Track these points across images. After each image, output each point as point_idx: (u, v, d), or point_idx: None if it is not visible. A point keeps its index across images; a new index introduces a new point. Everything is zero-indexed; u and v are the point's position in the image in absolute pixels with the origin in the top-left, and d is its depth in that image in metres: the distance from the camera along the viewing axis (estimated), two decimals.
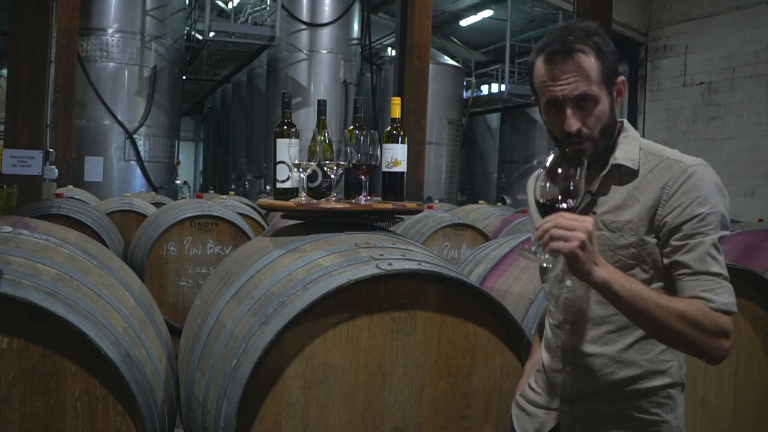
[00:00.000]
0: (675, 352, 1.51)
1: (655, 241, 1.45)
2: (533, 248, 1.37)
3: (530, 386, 1.69)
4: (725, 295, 1.38)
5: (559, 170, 1.35)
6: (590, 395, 1.54)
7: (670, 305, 1.34)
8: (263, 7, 14.45)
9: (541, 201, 1.36)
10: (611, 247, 1.48)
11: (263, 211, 7.55)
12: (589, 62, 1.45)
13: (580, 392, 1.55)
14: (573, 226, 1.27)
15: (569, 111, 1.45)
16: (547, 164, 1.38)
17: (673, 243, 1.42)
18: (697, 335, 1.34)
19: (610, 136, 1.51)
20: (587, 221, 1.28)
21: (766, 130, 10.25)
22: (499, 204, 12.85)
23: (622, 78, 1.52)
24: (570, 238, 1.26)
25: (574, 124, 1.45)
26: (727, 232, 1.42)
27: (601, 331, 1.52)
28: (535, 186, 1.39)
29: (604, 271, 1.31)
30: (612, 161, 1.50)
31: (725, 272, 1.40)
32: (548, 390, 1.63)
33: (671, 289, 1.46)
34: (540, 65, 1.49)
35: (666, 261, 1.44)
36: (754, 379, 2.64)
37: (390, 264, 1.90)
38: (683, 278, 1.40)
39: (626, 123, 1.56)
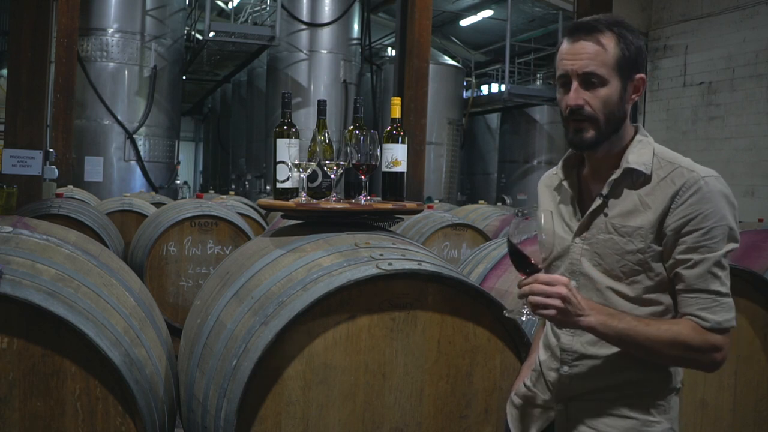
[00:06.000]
0: None
1: (661, 248, 1.45)
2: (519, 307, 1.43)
3: (526, 385, 1.69)
4: (722, 313, 1.40)
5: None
6: (586, 395, 1.55)
7: (659, 335, 1.39)
8: (263, 7, 14.45)
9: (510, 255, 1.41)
10: (619, 252, 1.48)
11: (263, 211, 7.55)
12: (608, 45, 1.45)
13: (576, 391, 1.56)
14: (547, 292, 1.34)
15: (574, 85, 1.46)
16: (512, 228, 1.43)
17: (677, 256, 1.42)
18: (689, 355, 1.41)
19: (615, 127, 1.49)
20: (561, 284, 1.35)
21: (766, 130, 10.25)
22: (499, 204, 12.85)
23: (641, 75, 1.50)
24: (547, 305, 1.34)
25: (575, 98, 1.45)
26: (735, 245, 1.42)
27: None
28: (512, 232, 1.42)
29: (590, 318, 1.38)
30: (624, 164, 1.49)
31: (726, 289, 1.42)
32: (544, 389, 1.63)
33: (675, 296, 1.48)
34: (564, 44, 1.51)
35: (669, 271, 1.45)
36: (754, 379, 2.64)
37: (390, 264, 1.90)
38: (682, 294, 1.43)
39: (642, 128, 1.56)
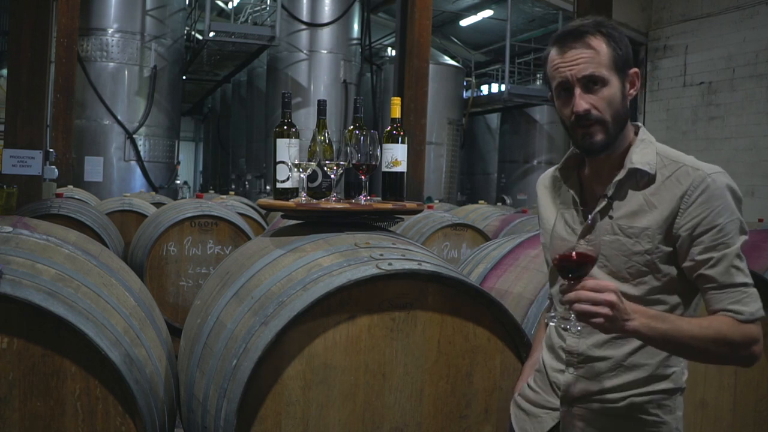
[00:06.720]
0: (679, 358, 1.51)
1: (670, 249, 1.45)
2: (558, 313, 1.39)
3: (529, 386, 1.69)
4: (752, 304, 1.40)
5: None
6: (591, 396, 1.54)
7: (703, 333, 1.36)
8: (263, 7, 14.46)
9: (555, 259, 1.33)
10: (626, 253, 1.47)
11: (263, 211, 7.54)
12: (600, 45, 1.45)
13: (581, 393, 1.55)
14: (595, 299, 1.26)
15: (577, 91, 1.45)
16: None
17: (697, 257, 1.42)
18: (731, 351, 1.38)
19: (622, 125, 1.49)
20: (609, 290, 1.27)
21: (766, 130, 10.25)
22: (499, 204, 12.85)
23: (635, 70, 1.51)
24: (596, 314, 1.26)
25: (581, 104, 1.44)
26: (746, 237, 1.44)
27: (607, 335, 1.50)
28: (549, 243, 1.39)
29: (635, 323, 1.32)
30: (629, 165, 1.49)
31: (749, 279, 1.42)
32: (548, 390, 1.62)
33: (688, 296, 1.48)
34: (552, 52, 1.50)
35: (689, 274, 1.45)
36: (754, 379, 2.64)
37: (390, 264, 1.90)
38: (710, 292, 1.42)
39: (642, 127, 1.56)
